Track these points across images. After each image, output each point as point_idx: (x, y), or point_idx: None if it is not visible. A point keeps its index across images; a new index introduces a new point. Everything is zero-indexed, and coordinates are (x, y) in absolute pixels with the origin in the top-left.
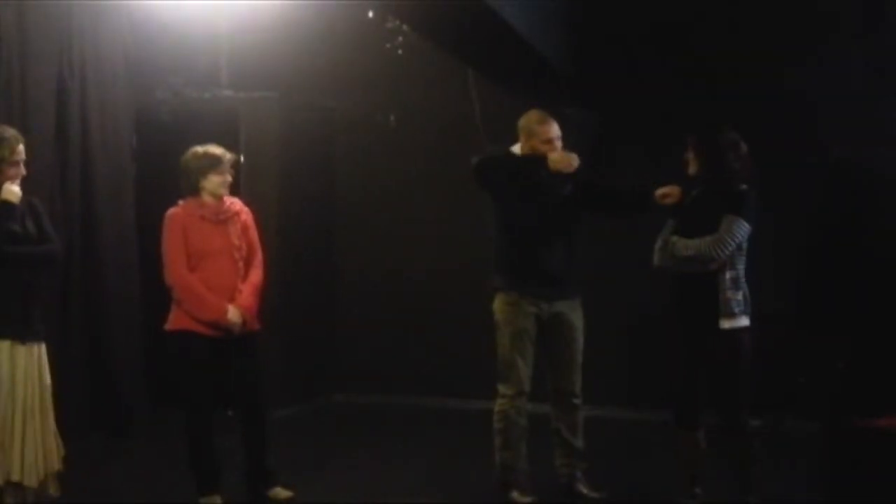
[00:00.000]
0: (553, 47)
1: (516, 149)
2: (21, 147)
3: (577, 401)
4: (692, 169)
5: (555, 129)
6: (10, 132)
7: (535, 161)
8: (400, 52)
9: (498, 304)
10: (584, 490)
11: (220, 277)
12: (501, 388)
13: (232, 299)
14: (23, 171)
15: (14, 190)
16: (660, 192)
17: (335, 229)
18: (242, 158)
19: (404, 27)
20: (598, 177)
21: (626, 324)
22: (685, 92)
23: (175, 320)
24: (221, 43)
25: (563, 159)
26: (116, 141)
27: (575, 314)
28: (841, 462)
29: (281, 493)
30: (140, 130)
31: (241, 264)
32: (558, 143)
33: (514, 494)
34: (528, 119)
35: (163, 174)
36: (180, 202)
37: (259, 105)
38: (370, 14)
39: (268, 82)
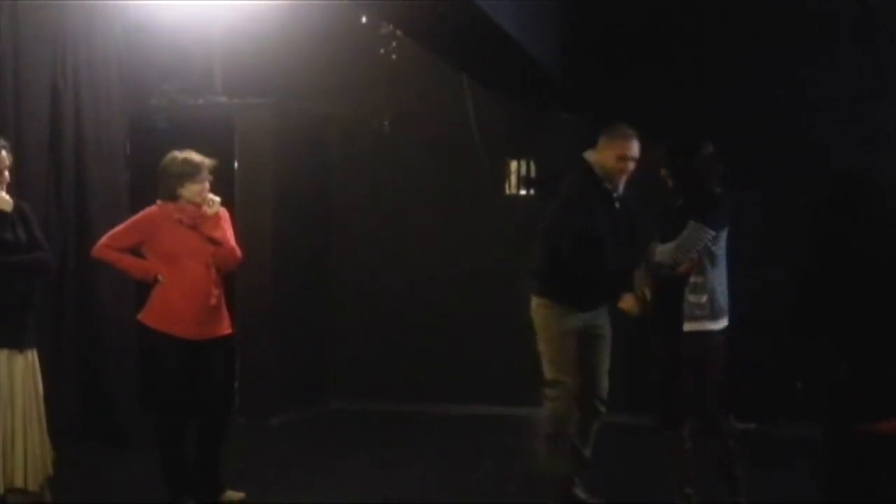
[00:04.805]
0: (546, 52)
1: (590, 156)
2: (3, 154)
3: (602, 407)
4: (671, 184)
5: (634, 149)
6: None
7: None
8: (394, 57)
9: (539, 308)
10: (583, 496)
11: (192, 280)
12: (553, 392)
13: (204, 302)
14: (7, 178)
15: (5, 198)
16: (622, 303)
17: (330, 235)
18: (237, 165)
19: (398, 33)
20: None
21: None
22: (679, 97)
23: (153, 316)
24: (215, 49)
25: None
26: (110, 148)
27: (603, 319)
28: (839, 467)
29: (233, 496)
30: (134, 137)
31: (213, 269)
32: (631, 165)
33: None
34: (614, 130)
35: (157, 181)
36: (158, 202)
37: (253, 111)
38: (364, 20)
39: (262, 89)
